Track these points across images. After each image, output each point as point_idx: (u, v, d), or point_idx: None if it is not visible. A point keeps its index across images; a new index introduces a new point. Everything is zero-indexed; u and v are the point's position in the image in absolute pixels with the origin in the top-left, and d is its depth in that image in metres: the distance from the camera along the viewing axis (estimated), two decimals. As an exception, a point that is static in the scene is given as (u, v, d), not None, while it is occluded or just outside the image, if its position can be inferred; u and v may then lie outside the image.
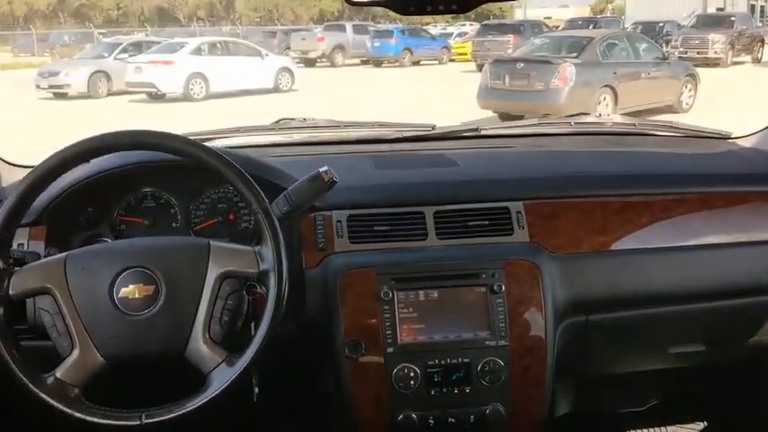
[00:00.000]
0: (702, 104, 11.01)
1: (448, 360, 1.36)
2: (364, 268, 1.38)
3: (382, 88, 14.84)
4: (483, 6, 1.14)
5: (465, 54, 20.80)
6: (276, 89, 15.55)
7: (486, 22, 23.86)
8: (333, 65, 22.27)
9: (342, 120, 1.98)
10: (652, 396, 2.04)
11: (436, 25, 29.73)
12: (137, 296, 1.17)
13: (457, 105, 10.97)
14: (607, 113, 10.05)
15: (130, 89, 15.02)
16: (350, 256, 1.40)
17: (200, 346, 1.17)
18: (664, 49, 12.51)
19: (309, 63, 21.45)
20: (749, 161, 1.75)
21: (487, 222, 1.47)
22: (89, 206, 1.48)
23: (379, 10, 22.66)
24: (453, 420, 1.37)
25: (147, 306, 1.17)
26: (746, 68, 18.36)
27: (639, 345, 1.64)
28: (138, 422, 1.13)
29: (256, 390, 1.32)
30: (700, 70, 11.81)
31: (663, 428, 2.11)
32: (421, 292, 1.37)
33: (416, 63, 22.33)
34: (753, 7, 29.05)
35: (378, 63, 22.36)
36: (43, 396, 1.11)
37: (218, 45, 16.37)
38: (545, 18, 27.18)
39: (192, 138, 1.75)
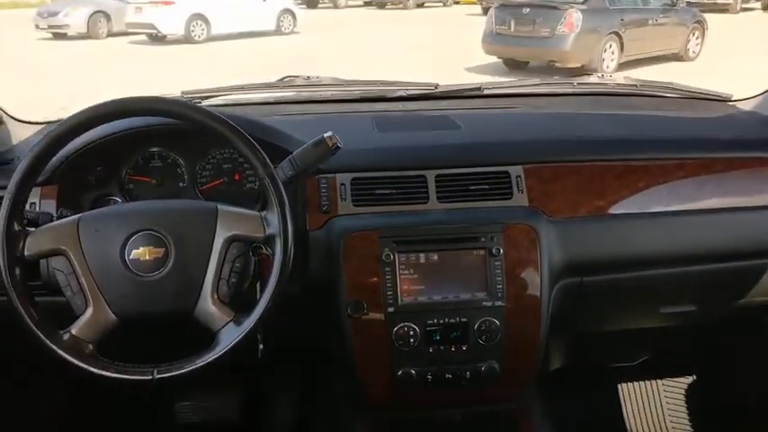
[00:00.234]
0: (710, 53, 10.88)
1: (446, 319, 1.42)
2: (367, 231, 1.41)
3: (384, 30, 14.64)
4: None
5: (470, -4, 20.47)
6: (278, 31, 15.33)
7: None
8: (335, 6, 21.90)
9: (345, 78, 1.99)
10: (643, 352, 2.10)
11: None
12: (147, 258, 1.21)
13: (454, 49, 10.89)
14: (612, 60, 9.98)
15: (131, 30, 14.82)
16: (353, 219, 1.44)
17: (208, 306, 1.22)
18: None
19: (312, 4, 21.11)
20: (748, 126, 1.76)
21: (487, 186, 1.49)
22: (98, 165, 1.51)
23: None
24: (450, 376, 1.43)
25: (158, 268, 1.21)
26: (756, 15, 18.03)
27: (632, 305, 1.68)
28: (150, 377, 1.19)
29: (261, 346, 1.37)
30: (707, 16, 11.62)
31: (653, 381, 2.18)
32: (421, 255, 1.42)
33: (420, 5, 21.95)
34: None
35: (381, 5, 21.99)
36: (60, 352, 1.17)
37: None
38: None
39: (196, 95, 1.79)
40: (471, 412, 1.50)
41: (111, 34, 15.57)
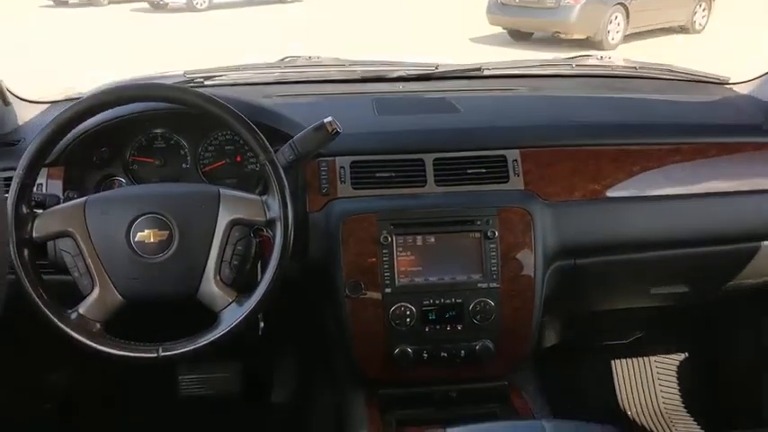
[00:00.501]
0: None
1: (442, 300, 1.45)
2: (365, 214, 1.44)
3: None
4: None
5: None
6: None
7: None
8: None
9: (347, 58, 2.00)
10: (636, 330, 2.15)
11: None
12: (152, 240, 1.25)
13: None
14: (617, 32, 9.89)
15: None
16: (352, 202, 1.47)
17: (211, 287, 1.26)
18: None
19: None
20: (744, 110, 1.78)
21: (484, 170, 1.52)
22: (103, 147, 1.54)
23: None
24: (445, 354, 1.47)
25: (162, 250, 1.25)
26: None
27: (624, 286, 1.72)
28: (156, 354, 1.24)
29: (262, 324, 1.42)
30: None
31: (646, 358, 2.23)
32: (419, 237, 1.45)
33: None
34: None
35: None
36: (68, 331, 1.22)
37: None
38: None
39: (198, 75, 1.81)
40: (466, 389, 1.54)
41: (112, 1, 15.45)
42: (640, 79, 2.03)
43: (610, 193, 1.56)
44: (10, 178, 1.24)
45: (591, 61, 2.08)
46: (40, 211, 1.27)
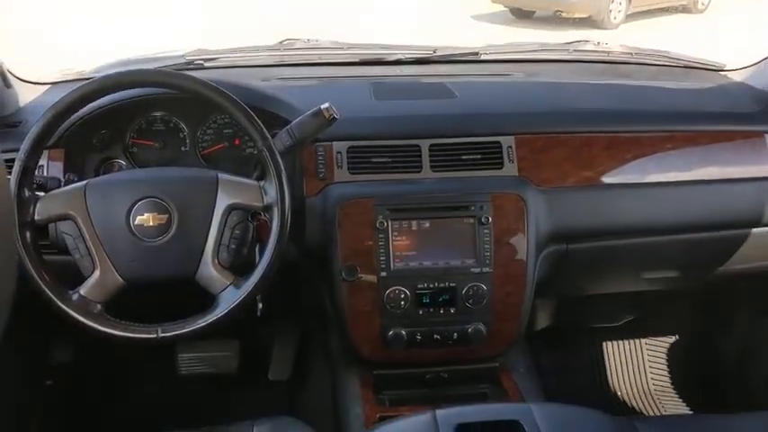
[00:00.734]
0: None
1: (436, 284, 1.48)
2: (362, 198, 1.47)
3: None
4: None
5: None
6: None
7: None
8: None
9: (345, 41, 2.01)
10: (627, 314, 2.19)
11: None
12: (151, 224, 1.28)
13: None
14: (619, 11, 9.83)
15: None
16: (348, 187, 1.49)
17: (209, 270, 1.29)
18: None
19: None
20: (737, 98, 1.79)
21: (479, 156, 1.54)
22: (103, 129, 1.55)
23: None
24: (438, 337, 1.51)
25: (161, 233, 1.28)
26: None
27: (615, 271, 1.75)
28: (155, 335, 1.27)
29: (260, 305, 1.45)
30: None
31: (637, 341, 2.27)
32: (414, 222, 1.48)
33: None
34: None
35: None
36: (69, 311, 1.25)
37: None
38: None
39: (198, 57, 1.82)
40: (458, 370, 1.58)
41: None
42: (636, 65, 2.04)
43: (603, 180, 1.58)
44: (11, 160, 1.26)
45: (588, 47, 2.09)
46: (42, 194, 1.30)
